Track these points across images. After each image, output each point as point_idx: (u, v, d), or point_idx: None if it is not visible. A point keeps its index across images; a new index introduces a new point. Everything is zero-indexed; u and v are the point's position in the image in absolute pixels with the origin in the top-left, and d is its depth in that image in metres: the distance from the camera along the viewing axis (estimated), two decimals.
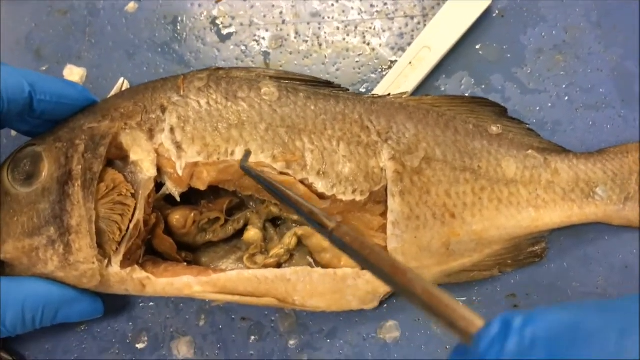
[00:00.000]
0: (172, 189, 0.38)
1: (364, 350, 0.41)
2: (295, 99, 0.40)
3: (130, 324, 0.43)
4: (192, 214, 0.40)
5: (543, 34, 0.48)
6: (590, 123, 0.46)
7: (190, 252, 0.42)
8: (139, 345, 0.43)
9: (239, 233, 0.42)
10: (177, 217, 0.39)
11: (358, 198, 0.37)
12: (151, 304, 0.44)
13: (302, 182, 0.37)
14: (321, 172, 0.37)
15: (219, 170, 0.37)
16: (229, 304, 0.42)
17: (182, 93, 0.40)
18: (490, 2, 0.48)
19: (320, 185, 0.37)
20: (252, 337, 0.42)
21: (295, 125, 0.38)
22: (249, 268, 0.39)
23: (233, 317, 0.43)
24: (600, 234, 0.42)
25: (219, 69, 0.42)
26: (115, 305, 0.43)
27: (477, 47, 0.48)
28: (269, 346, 0.42)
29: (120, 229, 0.37)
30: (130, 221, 0.37)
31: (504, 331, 0.23)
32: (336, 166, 0.38)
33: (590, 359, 0.21)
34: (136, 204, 0.37)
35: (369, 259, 0.27)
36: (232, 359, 0.42)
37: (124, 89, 0.49)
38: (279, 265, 0.40)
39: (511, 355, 0.22)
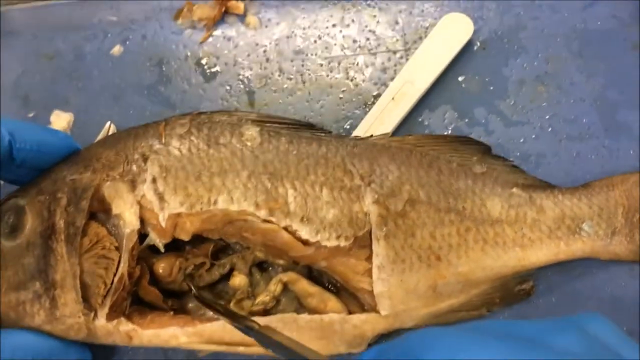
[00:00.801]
0: (156, 240, 0.38)
1: None
2: (277, 143, 0.40)
3: None
4: (178, 262, 0.40)
5: (525, 65, 0.48)
6: (575, 154, 0.46)
7: (176, 299, 0.41)
8: None
9: (226, 276, 0.42)
10: (162, 266, 0.39)
11: (342, 243, 0.37)
12: (140, 350, 0.43)
13: (285, 228, 0.37)
14: (305, 219, 0.37)
15: (202, 220, 0.37)
16: None
17: (163, 140, 0.40)
18: (471, 34, 0.48)
19: (304, 232, 0.37)
20: None
21: (278, 172, 0.38)
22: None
23: None
24: (588, 268, 0.42)
25: (200, 113, 0.42)
26: (105, 353, 0.43)
27: (460, 79, 0.48)
28: None
29: (105, 283, 0.37)
30: (115, 274, 0.37)
31: None
32: (320, 212, 0.38)
33: None
34: (120, 257, 0.37)
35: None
36: None
37: (110, 132, 0.50)
38: (265, 311, 0.40)
39: None
